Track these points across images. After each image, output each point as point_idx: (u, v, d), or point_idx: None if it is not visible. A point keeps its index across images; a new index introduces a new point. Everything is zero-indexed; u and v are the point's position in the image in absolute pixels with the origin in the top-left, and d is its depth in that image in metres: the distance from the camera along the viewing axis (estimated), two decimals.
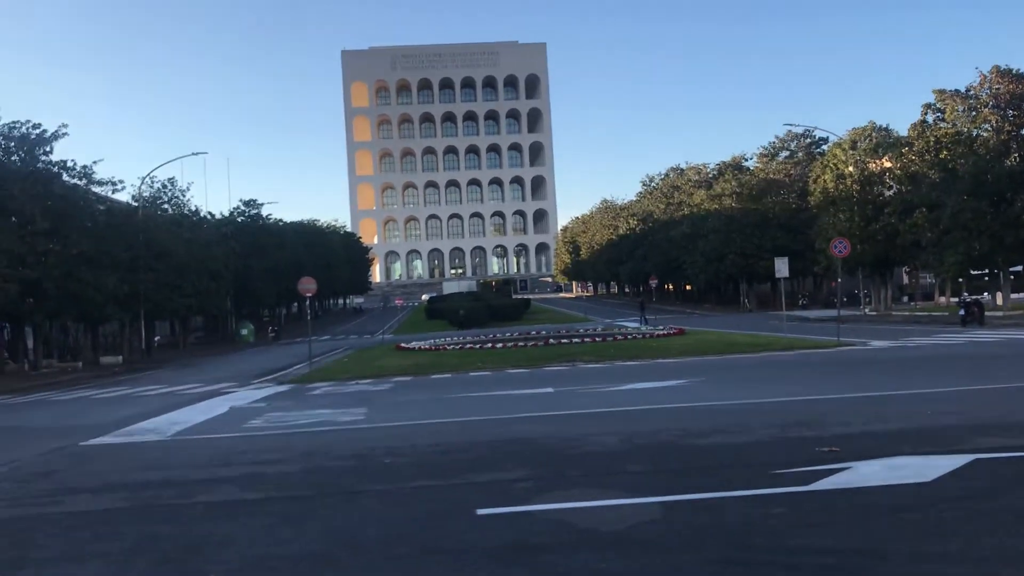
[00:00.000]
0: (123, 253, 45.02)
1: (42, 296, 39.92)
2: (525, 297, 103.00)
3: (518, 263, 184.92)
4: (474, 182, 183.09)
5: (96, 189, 45.28)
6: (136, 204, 53.24)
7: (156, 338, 60.69)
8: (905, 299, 69.00)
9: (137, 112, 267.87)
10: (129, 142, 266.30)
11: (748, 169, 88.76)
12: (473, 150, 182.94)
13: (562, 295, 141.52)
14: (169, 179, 59.68)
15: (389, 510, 8.11)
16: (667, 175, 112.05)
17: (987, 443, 9.74)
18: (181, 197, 59.94)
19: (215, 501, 9.04)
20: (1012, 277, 50.40)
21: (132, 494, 9.70)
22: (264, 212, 76.58)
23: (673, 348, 30.80)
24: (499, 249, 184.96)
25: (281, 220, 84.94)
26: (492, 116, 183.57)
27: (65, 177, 42.40)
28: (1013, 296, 49.51)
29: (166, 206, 58.21)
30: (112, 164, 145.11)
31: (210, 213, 70.45)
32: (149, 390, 27.47)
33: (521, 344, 37.63)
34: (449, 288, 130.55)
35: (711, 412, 14.10)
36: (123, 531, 7.86)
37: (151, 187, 57.13)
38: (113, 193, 47.46)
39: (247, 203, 74.93)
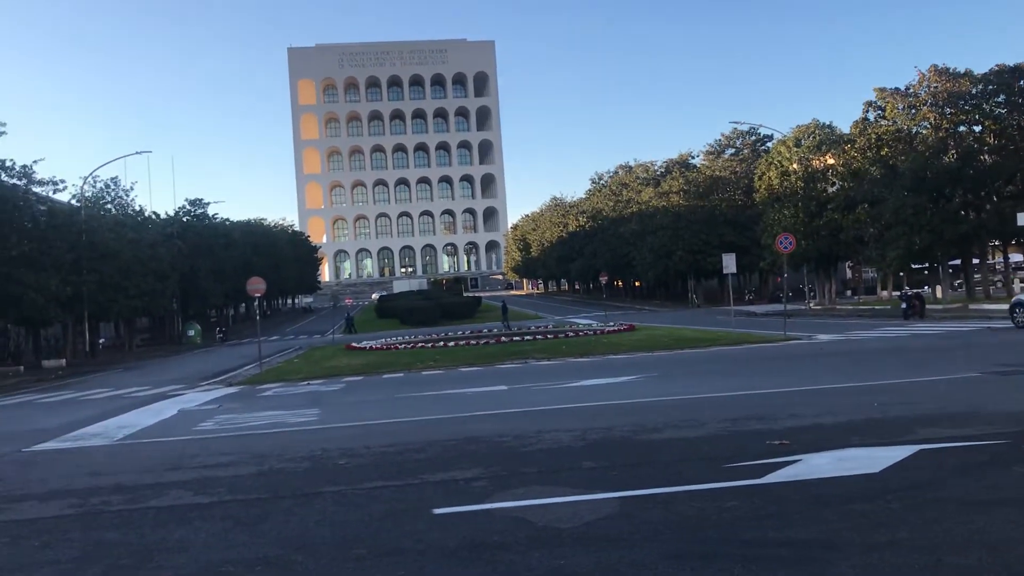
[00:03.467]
0: (65, 254, 44.06)
1: None
2: (476, 295, 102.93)
3: (468, 261, 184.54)
4: (423, 180, 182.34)
5: (36, 189, 44.25)
6: (78, 204, 52.11)
7: (101, 340, 59.47)
8: (849, 293, 70.41)
9: (80, 112, 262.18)
10: (71, 142, 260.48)
11: (695, 167, 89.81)
12: (422, 148, 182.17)
13: (513, 292, 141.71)
14: (112, 178, 58.38)
15: (345, 512, 8.05)
16: (616, 173, 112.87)
17: (931, 434, 10.00)
18: (125, 197, 58.85)
19: (166, 506, 8.90)
20: (951, 271, 51.73)
21: (80, 500, 9.49)
22: (210, 211, 75.40)
23: (624, 344, 31.04)
24: (449, 247, 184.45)
25: (228, 219, 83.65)
26: (441, 114, 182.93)
27: (4, 177, 41.38)
28: (952, 290, 50.78)
29: (109, 206, 57.04)
30: (54, 164, 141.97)
31: (155, 213, 69.18)
32: (94, 394, 26.90)
33: (473, 342, 37.65)
34: (399, 287, 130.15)
35: (663, 407, 14.24)
36: (72, 538, 7.70)
37: (94, 187, 56.03)
38: (54, 193, 46.50)
39: (193, 202, 73.67)
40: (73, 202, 52.40)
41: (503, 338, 38.19)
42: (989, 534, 6.09)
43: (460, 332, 48.23)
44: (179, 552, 6.98)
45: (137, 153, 55.28)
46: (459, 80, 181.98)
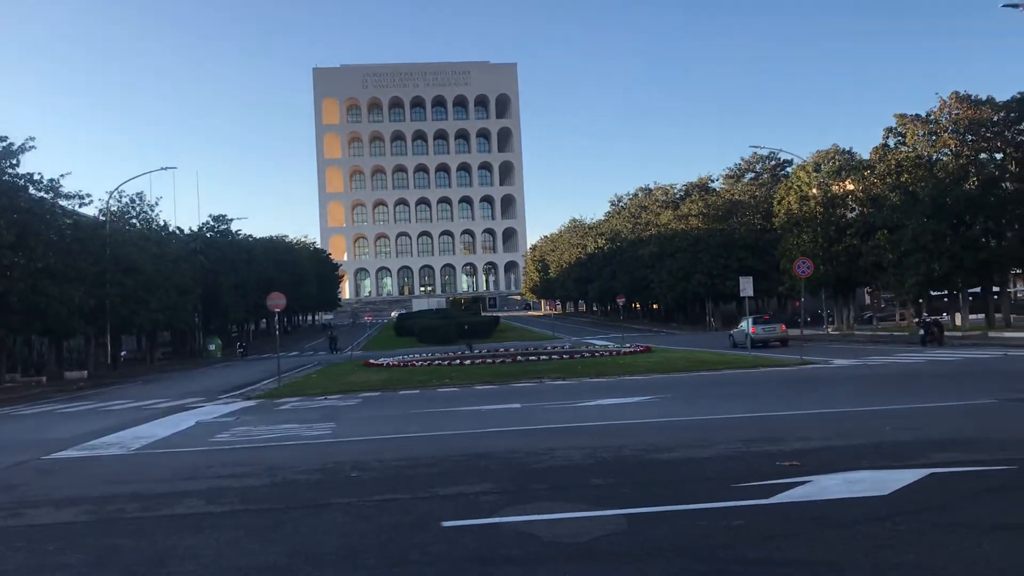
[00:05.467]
0: (90, 267, 44.57)
1: (6, 310, 39.32)
2: (494, 315, 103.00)
3: (487, 281, 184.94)
4: (444, 200, 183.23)
5: (63, 203, 44.84)
6: (103, 218, 52.76)
7: (122, 353, 60.01)
8: (868, 317, 69.96)
9: (106, 128, 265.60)
10: (97, 157, 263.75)
11: (714, 190, 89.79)
12: (443, 168, 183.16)
13: (531, 313, 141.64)
14: (137, 194, 59.40)
15: (354, 523, 8.13)
16: (635, 195, 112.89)
17: (942, 458, 9.96)
18: (149, 212, 59.63)
19: (179, 514, 9.00)
20: (971, 298, 51.29)
21: (95, 507, 9.62)
22: (233, 227, 76.44)
23: (640, 365, 31.01)
24: (468, 267, 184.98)
25: (250, 236, 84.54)
26: (462, 135, 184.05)
27: (31, 190, 41.96)
28: (971, 317, 50.32)
29: (134, 220, 57.79)
30: (80, 179, 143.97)
31: (179, 228, 70.09)
32: (115, 405, 27.17)
33: (489, 361, 37.69)
34: (419, 305, 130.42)
35: (675, 427, 14.26)
36: (86, 544, 7.81)
37: (119, 201, 56.80)
38: (80, 207, 47.09)
39: (216, 218, 74.60)
40: (99, 216, 53.07)
41: (518, 357, 38.22)
42: (997, 559, 6.07)
43: (477, 351, 48.27)
44: (191, 559, 7.08)
45: (163, 169, 55.76)
46: (481, 102, 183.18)
